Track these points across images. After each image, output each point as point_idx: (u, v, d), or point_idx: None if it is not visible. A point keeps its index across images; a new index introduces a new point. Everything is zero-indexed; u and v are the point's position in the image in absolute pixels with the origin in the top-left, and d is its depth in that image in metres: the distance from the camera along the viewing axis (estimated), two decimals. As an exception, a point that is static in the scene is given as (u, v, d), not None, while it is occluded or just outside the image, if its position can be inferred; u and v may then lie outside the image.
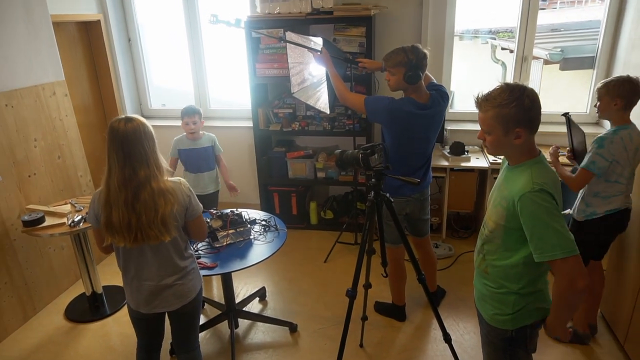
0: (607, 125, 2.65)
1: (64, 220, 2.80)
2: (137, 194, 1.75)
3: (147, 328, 2.08)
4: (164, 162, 1.88)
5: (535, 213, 1.39)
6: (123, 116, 1.81)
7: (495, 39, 5.57)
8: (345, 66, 3.15)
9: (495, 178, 1.71)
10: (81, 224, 2.75)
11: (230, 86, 4.55)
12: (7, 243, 2.86)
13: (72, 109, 3.37)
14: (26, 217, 2.76)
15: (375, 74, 3.52)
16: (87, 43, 4.07)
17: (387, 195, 2.17)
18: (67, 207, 2.97)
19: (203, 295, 3.16)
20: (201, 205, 1.98)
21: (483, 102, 1.47)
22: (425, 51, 2.38)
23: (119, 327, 2.97)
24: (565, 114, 2.41)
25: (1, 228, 2.82)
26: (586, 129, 3.67)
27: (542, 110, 1.47)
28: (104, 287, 3.19)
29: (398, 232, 2.25)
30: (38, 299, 3.12)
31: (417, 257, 2.93)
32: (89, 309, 3.10)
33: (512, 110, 1.41)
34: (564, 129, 2.68)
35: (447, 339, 2.29)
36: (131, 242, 1.79)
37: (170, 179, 1.86)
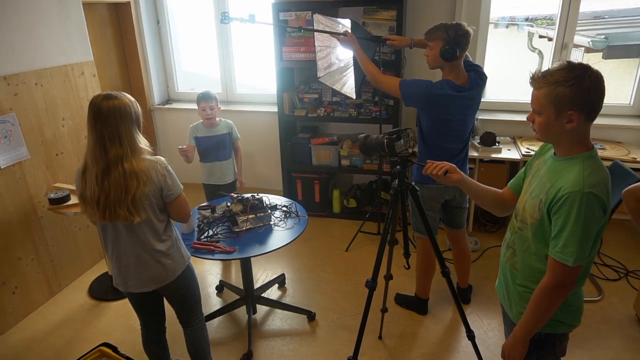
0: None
1: (89, 199, 2.83)
2: (106, 171, 1.74)
3: (138, 305, 2.09)
4: (144, 143, 1.83)
5: (574, 216, 1.28)
6: (105, 92, 1.78)
7: (532, 26, 5.31)
8: (374, 50, 3.05)
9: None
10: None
11: (256, 70, 4.50)
12: (34, 220, 2.92)
13: (100, 90, 3.40)
14: (52, 195, 2.81)
15: (404, 52, 3.45)
16: (116, 24, 4.09)
17: (413, 183, 2.09)
18: (92, 187, 3.01)
19: (222, 279, 3.20)
20: (181, 186, 1.91)
21: (539, 78, 1.34)
22: (469, 29, 2.26)
23: (140, 306, 2.99)
24: None
25: (29, 205, 2.88)
26: (628, 122, 3.50)
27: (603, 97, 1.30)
28: (127, 267, 3.22)
29: (422, 222, 2.16)
30: (63, 276, 3.18)
31: (452, 252, 2.86)
32: (112, 288, 3.12)
33: (568, 89, 1.27)
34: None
35: (471, 335, 2.19)
36: (101, 218, 1.78)
37: (147, 157, 1.81)
